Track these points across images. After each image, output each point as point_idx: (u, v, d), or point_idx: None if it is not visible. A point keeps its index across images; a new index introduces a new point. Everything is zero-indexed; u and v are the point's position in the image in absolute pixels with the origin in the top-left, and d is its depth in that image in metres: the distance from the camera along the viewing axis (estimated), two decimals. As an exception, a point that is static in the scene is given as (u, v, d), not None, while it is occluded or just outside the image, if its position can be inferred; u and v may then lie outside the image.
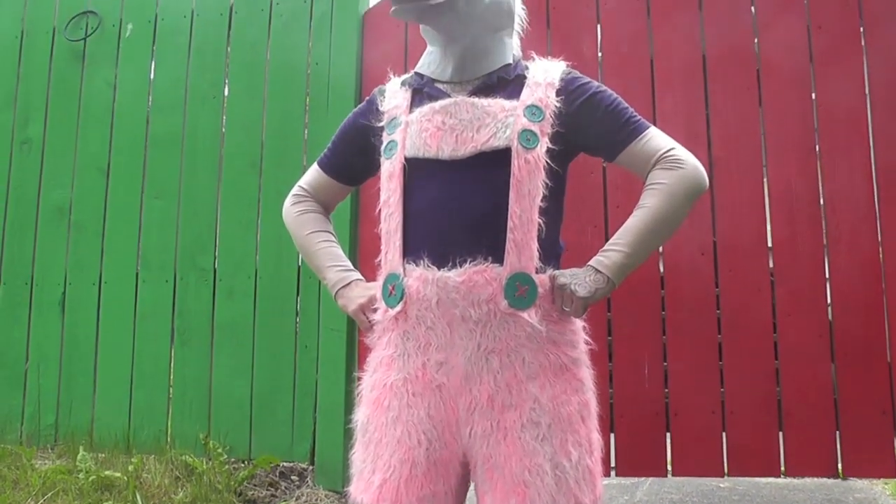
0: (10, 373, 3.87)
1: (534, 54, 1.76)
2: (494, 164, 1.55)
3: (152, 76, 3.95)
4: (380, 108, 1.72)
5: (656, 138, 1.62)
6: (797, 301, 3.13)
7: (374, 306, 1.64)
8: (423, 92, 1.68)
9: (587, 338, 1.63)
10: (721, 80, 3.31)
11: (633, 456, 3.21)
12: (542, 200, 1.54)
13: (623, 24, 3.42)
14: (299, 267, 3.57)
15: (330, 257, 1.77)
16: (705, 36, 3.34)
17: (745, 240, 3.20)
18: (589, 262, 1.56)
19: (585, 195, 3.29)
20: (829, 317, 3.13)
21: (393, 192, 1.61)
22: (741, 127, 3.26)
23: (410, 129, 1.62)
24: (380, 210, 1.65)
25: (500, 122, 1.57)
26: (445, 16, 1.59)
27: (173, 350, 3.71)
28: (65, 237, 3.90)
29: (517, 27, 1.77)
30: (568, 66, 1.69)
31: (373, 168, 1.74)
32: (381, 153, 1.67)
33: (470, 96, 1.62)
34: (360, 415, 1.62)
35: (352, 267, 1.76)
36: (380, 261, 1.65)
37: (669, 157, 1.58)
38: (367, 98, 1.79)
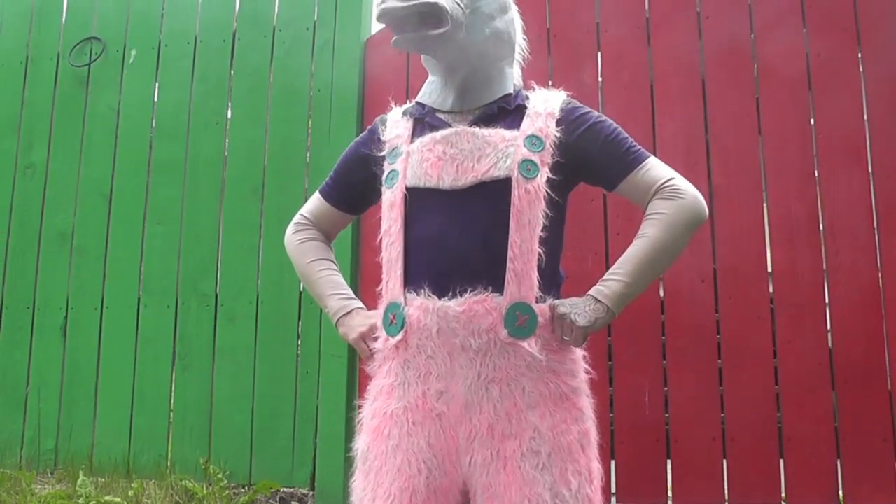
0: (10, 397, 3.86)
1: (534, 84, 1.77)
2: (495, 193, 1.56)
3: (155, 101, 3.98)
4: (381, 137, 1.73)
5: (656, 168, 1.63)
6: (797, 328, 3.13)
7: (375, 335, 1.65)
8: (424, 121, 1.69)
9: (587, 367, 1.63)
10: (721, 107, 3.32)
11: (634, 483, 3.19)
12: (542, 230, 1.55)
13: (623, 51, 3.45)
14: (301, 292, 3.57)
15: (331, 285, 1.78)
16: (705, 63, 3.37)
17: (746, 266, 3.20)
18: (589, 292, 1.57)
19: (586, 222, 3.29)
20: (830, 344, 3.12)
21: (394, 221, 1.62)
22: (741, 154, 3.27)
23: (412, 159, 1.63)
24: (381, 239, 1.66)
25: (500, 151, 1.58)
26: (446, 46, 1.61)
27: (174, 375, 3.70)
28: (67, 262, 3.90)
29: (518, 56, 1.79)
30: (568, 95, 1.71)
31: (374, 197, 1.75)
32: (383, 182, 1.68)
33: (471, 126, 1.63)
34: (360, 443, 1.62)
35: (353, 295, 1.77)
36: (381, 289, 1.65)
37: (669, 186, 1.59)
38: (369, 127, 1.80)
